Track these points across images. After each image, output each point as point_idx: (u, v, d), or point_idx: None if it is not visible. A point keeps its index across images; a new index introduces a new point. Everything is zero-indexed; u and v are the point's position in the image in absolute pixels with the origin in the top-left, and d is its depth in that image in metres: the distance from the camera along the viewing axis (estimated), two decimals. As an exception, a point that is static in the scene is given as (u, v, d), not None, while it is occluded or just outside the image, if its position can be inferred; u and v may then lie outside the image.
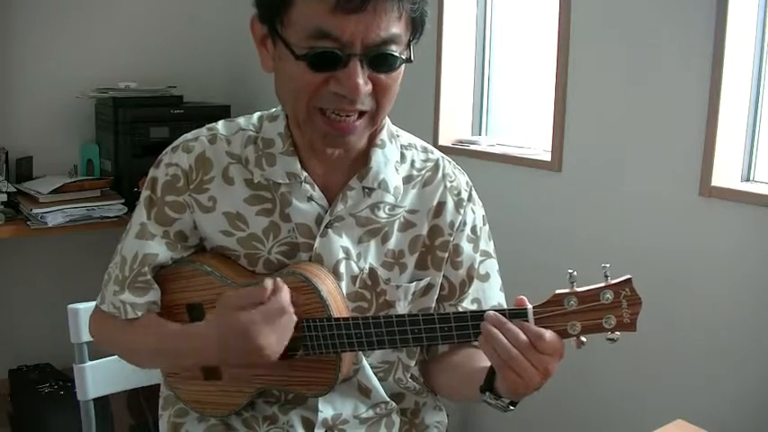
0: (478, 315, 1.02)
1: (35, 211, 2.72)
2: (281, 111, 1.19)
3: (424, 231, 1.21)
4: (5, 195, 2.78)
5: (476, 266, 1.25)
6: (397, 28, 1.01)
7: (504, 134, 2.57)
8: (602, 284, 1.00)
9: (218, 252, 1.20)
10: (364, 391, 1.23)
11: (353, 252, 1.18)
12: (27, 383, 2.76)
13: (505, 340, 0.99)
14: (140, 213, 1.19)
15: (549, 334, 0.99)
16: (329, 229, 1.16)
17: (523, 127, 2.54)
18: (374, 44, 1.00)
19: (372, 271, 1.19)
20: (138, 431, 2.73)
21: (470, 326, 1.03)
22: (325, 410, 1.20)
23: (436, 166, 1.24)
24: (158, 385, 1.34)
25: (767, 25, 1.81)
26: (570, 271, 1.00)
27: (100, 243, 2.55)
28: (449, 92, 2.57)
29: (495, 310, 1.02)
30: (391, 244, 1.20)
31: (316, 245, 1.16)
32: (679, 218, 1.91)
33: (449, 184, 1.23)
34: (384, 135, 1.19)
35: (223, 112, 3.06)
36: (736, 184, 1.84)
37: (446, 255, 1.22)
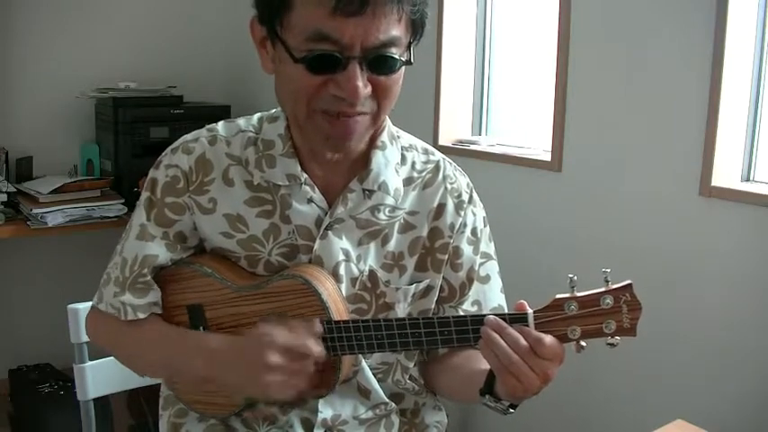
0: (478, 319, 1.02)
1: (35, 211, 2.72)
2: (281, 112, 1.19)
3: (424, 233, 1.21)
4: (5, 195, 2.78)
5: (476, 268, 1.24)
6: (396, 30, 1.01)
7: (504, 134, 2.57)
8: (603, 289, 1.00)
9: (219, 253, 1.20)
10: (364, 392, 1.23)
11: (353, 254, 1.18)
12: (27, 383, 2.76)
13: (505, 345, 0.98)
14: (140, 215, 1.19)
15: (549, 339, 0.99)
16: (329, 231, 1.16)
17: (523, 127, 2.54)
18: (373, 47, 1.00)
19: (372, 273, 1.19)
20: (138, 431, 2.73)
21: (470, 330, 1.03)
22: (325, 411, 1.20)
23: (437, 168, 1.24)
24: (158, 385, 1.34)
25: (767, 25, 1.81)
26: (570, 275, 1.00)
27: (100, 243, 2.54)
28: (449, 92, 2.57)
29: (495, 315, 1.02)
30: (391, 246, 1.19)
31: (315, 247, 1.16)
32: (679, 218, 1.91)
33: (449, 186, 1.23)
34: (384, 137, 1.19)
35: (223, 113, 3.06)
36: (736, 184, 1.85)
37: (446, 257, 1.22)
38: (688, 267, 1.90)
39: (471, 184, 1.27)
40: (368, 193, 1.17)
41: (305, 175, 1.15)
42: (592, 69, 2.09)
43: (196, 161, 1.17)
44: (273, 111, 1.21)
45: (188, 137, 1.21)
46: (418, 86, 2.55)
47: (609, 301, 0.99)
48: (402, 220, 1.20)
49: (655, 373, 1.98)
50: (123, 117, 2.95)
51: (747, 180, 1.88)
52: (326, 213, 1.17)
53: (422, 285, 1.21)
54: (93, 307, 1.24)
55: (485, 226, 1.27)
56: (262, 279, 1.15)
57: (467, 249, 1.23)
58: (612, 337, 1.00)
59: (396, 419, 1.26)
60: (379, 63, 1.01)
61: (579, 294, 1.00)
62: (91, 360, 1.48)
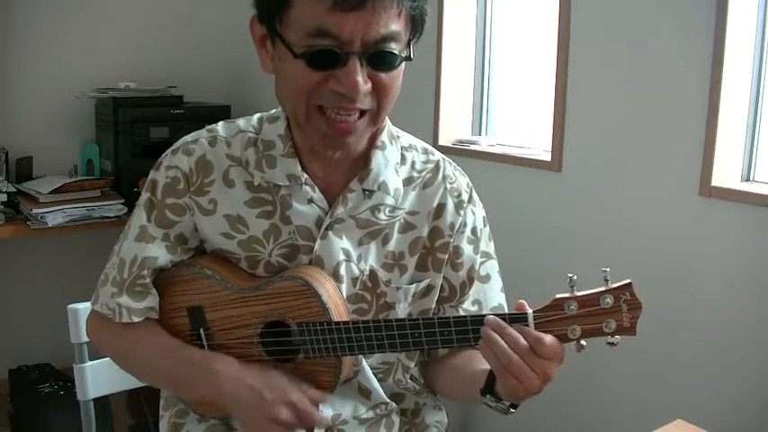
0: (478, 319, 1.02)
1: (35, 211, 2.72)
2: (281, 112, 1.19)
3: (425, 233, 1.21)
4: (5, 195, 2.78)
5: (476, 268, 1.24)
6: (396, 26, 1.01)
7: (504, 134, 2.57)
8: (603, 288, 1.00)
9: (219, 255, 1.20)
10: (364, 392, 1.23)
11: (354, 254, 1.17)
12: (27, 383, 2.76)
13: (505, 345, 0.98)
14: (140, 216, 1.19)
15: (549, 338, 0.99)
16: (329, 232, 1.16)
17: (523, 127, 2.54)
18: (373, 42, 1.00)
19: (372, 273, 1.19)
20: (138, 431, 2.73)
21: (470, 330, 1.03)
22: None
23: (436, 168, 1.24)
24: (159, 386, 1.34)
25: (767, 25, 1.81)
26: (570, 275, 1.00)
27: (100, 243, 2.54)
28: (449, 92, 2.57)
29: (495, 315, 1.01)
30: (391, 246, 1.19)
31: (316, 247, 1.16)
32: (679, 218, 1.91)
33: (449, 186, 1.23)
34: (384, 136, 1.19)
35: (223, 113, 3.06)
36: (736, 184, 1.85)
37: (446, 256, 1.22)
38: (688, 267, 1.90)
39: (471, 184, 1.27)
40: (368, 193, 1.17)
41: (305, 176, 1.15)
42: (592, 69, 2.09)
43: (196, 162, 1.17)
44: (273, 111, 1.21)
45: (188, 138, 1.21)
46: (418, 86, 2.55)
47: (609, 300, 0.99)
48: (402, 220, 1.20)
49: (655, 373, 1.98)
50: (123, 117, 2.95)
51: (747, 180, 1.88)
52: (327, 213, 1.16)
53: (422, 285, 1.21)
54: (91, 308, 1.24)
55: (485, 225, 1.27)
56: (262, 281, 1.15)
57: (467, 249, 1.23)
58: (612, 336, 1.00)
59: (396, 419, 1.26)
60: (379, 58, 1.01)
61: (579, 294, 1.00)
62: (91, 360, 1.48)
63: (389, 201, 1.18)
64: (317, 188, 1.16)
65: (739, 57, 1.79)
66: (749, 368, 1.79)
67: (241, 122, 1.22)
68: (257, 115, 1.23)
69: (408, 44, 1.05)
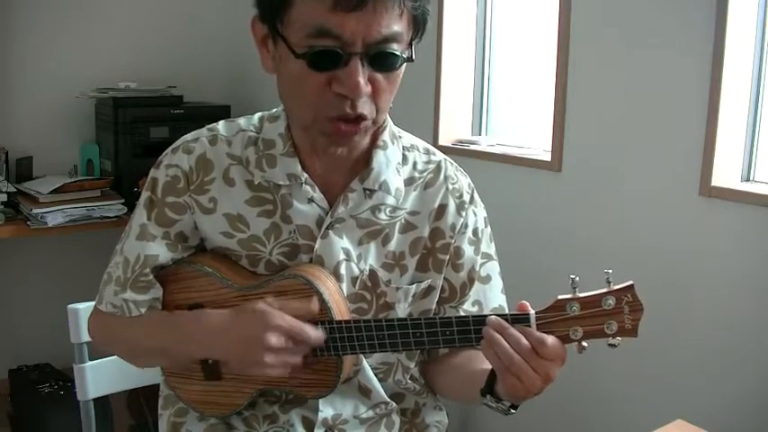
0: (481, 319, 1.02)
1: (35, 211, 2.72)
2: (281, 111, 1.19)
3: (425, 233, 1.21)
4: (5, 195, 2.78)
5: (477, 269, 1.24)
6: (398, 26, 1.01)
7: (504, 134, 2.57)
8: (605, 290, 0.99)
9: (220, 253, 1.20)
10: (364, 392, 1.23)
11: (354, 253, 1.18)
12: (27, 383, 2.76)
13: (507, 345, 0.98)
14: (140, 214, 1.19)
15: (551, 339, 0.99)
16: (330, 231, 1.16)
17: (523, 127, 2.54)
18: (375, 42, 0.99)
19: (373, 272, 1.19)
20: (138, 431, 2.73)
21: (472, 330, 1.03)
22: (326, 410, 1.20)
23: (438, 168, 1.23)
24: (158, 385, 1.34)
25: (767, 25, 1.81)
26: (572, 276, 1.00)
27: (100, 243, 2.55)
28: (449, 92, 2.57)
29: (497, 315, 1.01)
30: (392, 246, 1.19)
31: (316, 246, 1.16)
32: (679, 218, 1.91)
33: (450, 187, 1.23)
34: (386, 136, 1.19)
35: (223, 112, 3.06)
36: (736, 184, 1.84)
37: (447, 257, 1.22)
38: (688, 267, 1.90)
39: (473, 185, 1.27)
40: (369, 192, 1.17)
41: (305, 175, 1.15)
42: (592, 69, 2.09)
43: (197, 161, 1.17)
44: (274, 110, 1.21)
45: (188, 136, 1.21)
46: (418, 86, 2.55)
47: (611, 302, 0.99)
48: (403, 220, 1.20)
49: (655, 373, 1.98)
50: (123, 117, 2.96)
51: (747, 180, 1.88)
52: (327, 213, 1.16)
53: (423, 285, 1.21)
54: (94, 308, 1.24)
55: (486, 226, 1.27)
56: (263, 279, 1.15)
57: (468, 250, 1.23)
58: (614, 337, 1.00)
59: (396, 419, 1.26)
60: (381, 59, 1.01)
61: (581, 295, 1.00)
62: (91, 360, 1.48)
63: (390, 201, 1.18)
64: (317, 187, 1.16)
65: (739, 57, 1.79)
66: (749, 368, 1.79)
67: (242, 121, 1.22)
68: (258, 114, 1.23)
69: (410, 45, 1.05)
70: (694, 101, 1.83)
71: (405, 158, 1.22)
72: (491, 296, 1.26)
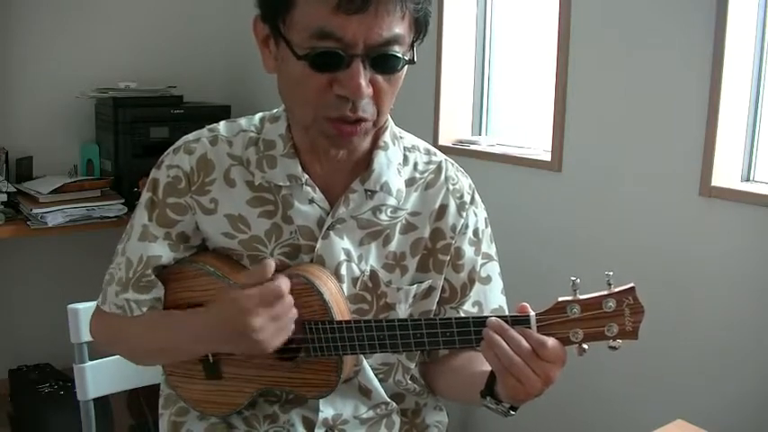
0: (481, 321, 1.02)
1: (35, 211, 2.72)
2: (282, 112, 1.19)
3: (426, 234, 1.21)
4: (5, 195, 2.78)
5: (477, 269, 1.24)
6: (399, 28, 1.01)
7: (504, 134, 2.57)
8: (605, 292, 0.99)
9: (221, 252, 1.20)
10: (365, 392, 1.23)
11: (354, 254, 1.18)
12: (27, 383, 2.76)
13: (507, 347, 0.98)
14: (142, 215, 1.19)
15: (551, 341, 0.99)
16: (331, 231, 1.16)
17: (523, 127, 2.54)
18: (377, 44, 0.99)
19: (373, 273, 1.19)
20: (138, 431, 2.73)
21: (473, 331, 1.03)
22: (326, 410, 1.20)
23: (439, 169, 1.23)
24: (158, 385, 1.34)
25: (767, 25, 1.81)
26: (573, 278, 1.00)
27: (100, 243, 2.55)
28: (449, 92, 2.57)
29: (497, 317, 1.01)
30: (392, 246, 1.19)
31: (317, 247, 1.16)
32: (679, 218, 1.91)
33: (451, 187, 1.23)
34: (387, 137, 1.19)
35: (223, 112, 3.06)
36: (736, 184, 1.85)
37: (447, 258, 1.22)
38: (688, 267, 1.90)
39: (473, 186, 1.27)
40: (370, 193, 1.17)
41: (305, 176, 1.15)
42: (592, 69, 2.09)
43: (197, 161, 1.17)
44: (275, 110, 1.21)
45: (189, 137, 1.21)
46: (418, 86, 2.55)
47: (611, 304, 0.98)
48: (404, 221, 1.20)
49: (655, 373, 1.98)
50: (123, 117, 2.95)
51: (747, 180, 1.88)
52: (328, 213, 1.17)
53: (423, 286, 1.21)
54: (96, 308, 1.24)
55: (486, 227, 1.27)
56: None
57: (468, 250, 1.23)
58: (614, 340, 0.99)
59: (397, 419, 1.26)
60: (383, 61, 1.01)
61: (582, 297, 1.00)
62: (91, 360, 1.48)
63: (391, 201, 1.18)
64: (317, 188, 1.16)
65: (739, 57, 1.79)
66: (749, 368, 1.79)
67: (243, 122, 1.22)
68: (259, 115, 1.23)
69: (411, 46, 1.05)
70: (694, 101, 1.83)
71: (406, 159, 1.22)
72: (491, 297, 1.26)
